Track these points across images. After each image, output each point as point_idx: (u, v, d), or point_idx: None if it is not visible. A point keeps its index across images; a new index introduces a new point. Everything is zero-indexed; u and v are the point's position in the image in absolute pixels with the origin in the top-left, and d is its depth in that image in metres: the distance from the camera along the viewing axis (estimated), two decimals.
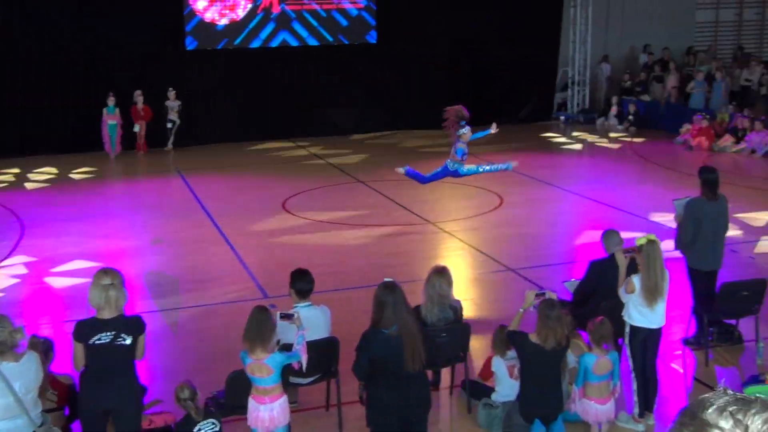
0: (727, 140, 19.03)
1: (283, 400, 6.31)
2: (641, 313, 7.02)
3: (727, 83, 22.20)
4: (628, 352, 7.21)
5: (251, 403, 6.28)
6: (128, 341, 5.95)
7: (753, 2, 28.00)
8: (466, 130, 12.18)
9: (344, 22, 21.82)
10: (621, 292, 7.23)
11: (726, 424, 1.78)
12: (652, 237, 7.01)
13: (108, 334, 5.90)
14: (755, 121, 18.77)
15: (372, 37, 22.09)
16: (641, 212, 13.76)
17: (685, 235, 8.43)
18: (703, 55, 24.16)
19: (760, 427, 1.76)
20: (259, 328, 6.22)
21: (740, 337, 8.73)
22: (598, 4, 23.89)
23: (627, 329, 7.15)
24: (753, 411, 1.79)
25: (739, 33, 28.41)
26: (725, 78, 22.29)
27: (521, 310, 6.84)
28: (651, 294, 6.90)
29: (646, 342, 7.10)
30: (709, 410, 1.81)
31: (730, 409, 1.80)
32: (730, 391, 1.85)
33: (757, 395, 1.85)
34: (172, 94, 20.00)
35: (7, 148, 19.33)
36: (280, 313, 6.57)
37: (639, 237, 7.07)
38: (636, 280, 7.00)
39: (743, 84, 22.35)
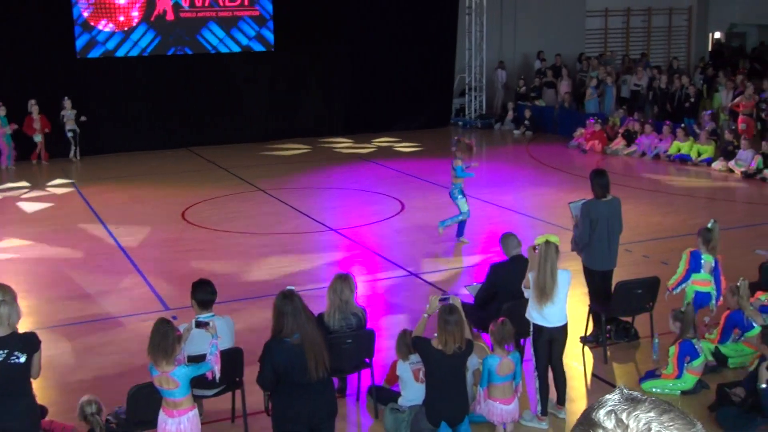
0: (619, 143, 19.64)
1: (193, 413, 6.21)
2: (537, 311, 7.16)
3: (616, 89, 22.97)
4: (532, 351, 7.34)
5: (161, 415, 6.17)
6: (22, 359, 5.75)
7: (639, 10, 29.04)
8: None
9: (240, 30, 21.61)
10: (523, 288, 7.36)
11: (609, 424, 1.83)
12: (552, 238, 7.13)
13: (1, 352, 5.69)
14: (645, 125, 19.43)
15: (269, 45, 21.95)
16: (539, 214, 14.08)
17: (581, 236, 8.66)
18: (595, 61, 24.88)
19: (641, 426, 1.81)
20: (162, 340, 6.11)
21: (636, 334, 9.01)
22: (492, 12, 24.36)
23: (531, 328, 7.29)
24: (637, 411, 1.84)
25: (627, 40, 29.43)
26: (615, 83, 23.05)
27: (426, 315, 6.90)
28: (541, 293, 7.02)
29: (552, 342, 7.24)
30: (600, 411, 1.87)
31: (617, 409, 1.85)
32: (626, 391, 1.89)
33: (655, 389, 1.93)
34: (68, 103, 19.46)
35: None
36: (196, 321, 6.45)
37: (539, 236, 7.18)
38: (531, 276, 7.14)
39: (633, 89, 23.11)
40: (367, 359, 7.57)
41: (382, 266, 11.75)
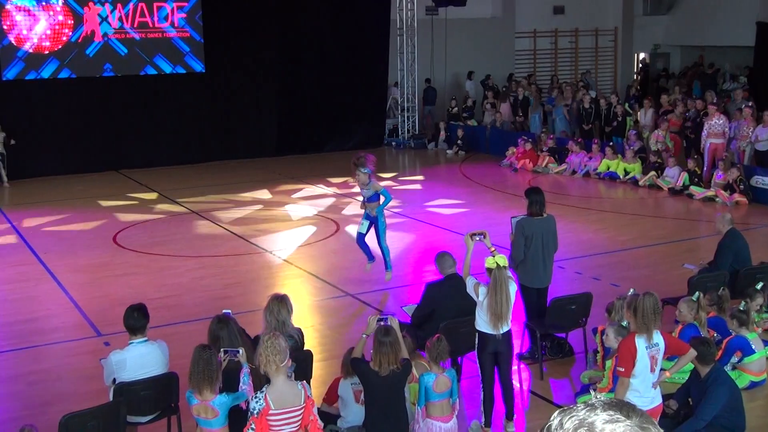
0: (544, 161, 19.94)
1: None
2: (485, 321, 7.21)
3: (543, 109, 23.41)
4: (477, 363, 7.38)
5: None
6: None
7: (566, 31, 29.66)
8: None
9: (170, 51, 21.40)
10: (469, 283, 7.37)
11: (555, 421, 2.06)
12: (502, 261, 7.18)
13: None
14: (574, 144, 19.78)
15: (198, 66, 21.77)
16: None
17: (517, 253, 8.76)
18: (524, 81, 25.29)
19: (571, 427, 2.00)
20: (206, 366, 5.96)
21: (571, 350, 9.12)
22: (422, 33, 24.59)
23: (477, 339, 7.33)
24: (571, 415, 2.02)
25: (555, 60, 30.01)
26: (542, 104, 23.49)
27: (364, 335, 6.88)
28: (497, 318, 7.11)
29: (497, 354, 7.29)
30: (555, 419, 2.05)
31: (564, 412, 2.05)
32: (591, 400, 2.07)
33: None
34: None
35: None
36: (223, 349, 6.28)
37: (488, 258, 7.20)
38: (482, 291, 7.18)
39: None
40: (304, 381, 7.50)
41: (318, 287, 11.70)
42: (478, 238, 7.59)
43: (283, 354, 5.68)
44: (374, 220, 11.38)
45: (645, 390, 6.40)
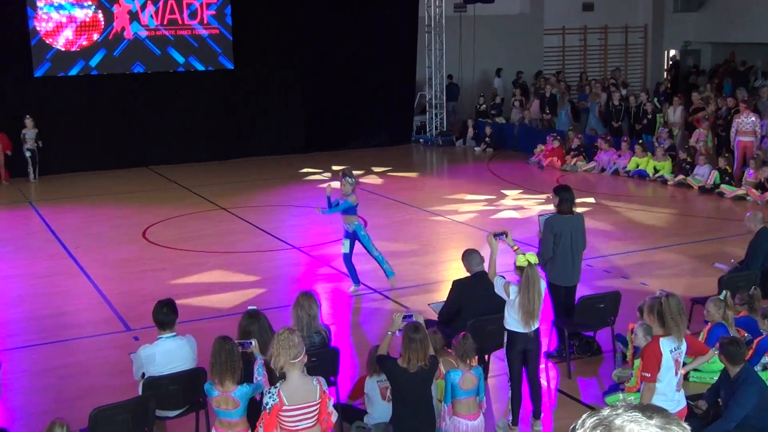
0: (573, 159, 19.82)
1: None
2: (515, 319, 7.20)
3: (571, 106, 23.26)
4: (506, 361, 7.37)
5: None
6: None
7: (595, 29, 29.46)
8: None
9: (199, 48, 21.52)
10: (498, 283, 7.33)
11: (579, 421, 2.09)
12: (533, 259, 7.15)
13: None
14: (603, 141, 19.65)
15: (227, 63, 21.88)
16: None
17: (545, 251, 8.72)
18: (552, 78, 25.16)
19: (591, 422, 2.04)
20: (229, 357, 5.99)
21: (599, 349, 9.07)
22: (450, 29, 24.52)
23: (505, 338, 7.31)
24: (594, 415, 2.06)
25: (584, 57, 29.83)
26: (570, 101, 23.34)
27: (389, 333, 6.88)
28: (529, 316, 7.09)
29: (525, 352, 7.27)
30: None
31: (590, 413, 2.08)
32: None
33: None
34: (29, 122, 19.23)
35: None
36: (236, 341, 6.32)
37: (518, 255, 7.19)
38: (513, 290, 7.15)
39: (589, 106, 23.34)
40: (332, 377, 7.52)
41: (345, 284, 11.71)
42: (500, 238, 7.57)
43: (297, 349, 5.68)
44: (353, 236, 11.03)
45: (670, 393, 6.33)
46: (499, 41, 26.78)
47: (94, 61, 20.50)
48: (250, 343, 6.29)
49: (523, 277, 7.06)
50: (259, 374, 6.14)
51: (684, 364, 6.81)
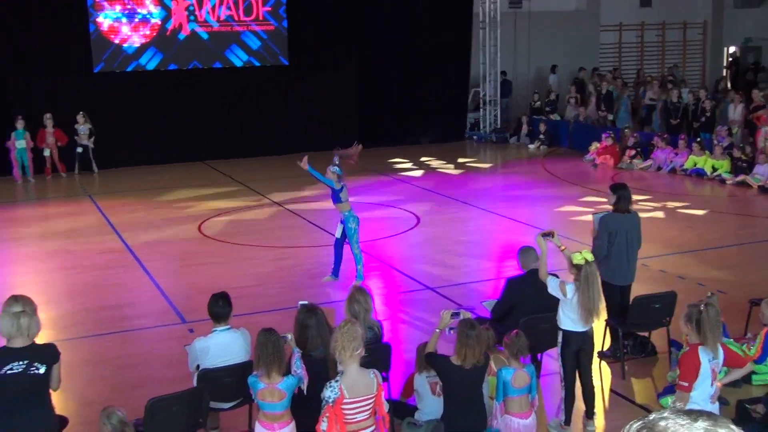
0: (628, 157, 19.56)
1: (292, 426, 6.09)
2: (571, 319, 7.14)
3: (629, 103, 22.97)
4: (559, 361, 7.32)
5: (259, 429, 6.08)
6: (42, 370, 5.76)
7: (653, 25, 29.04)
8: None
9: (256, 44, 21.73)
10: (552, 284, 7.27)
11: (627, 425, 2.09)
12: (589, 256, 7.09)
13: (20, 363, 5.70)
14: (660, 139, 19.38)
15: (282, 59, 22.05)
16: (553, 228, 14.00)
17: (600, 249, 8.63)
18: (608, 75, 24.88)
19: (635, 429, 2.06)
20: (275, 349, 6.02)
21: (653, 349, 8.95)
22: (505, 26, 24.39)
23: (560, 338, 7.26)
24: (641, 419, 2.06)
25: (641, 54, 29.43)
26: (629, 97, 23.04)
27: (437, 330, 6.87)
28: (589, 314, 7.02)
29: (579, 352, 7.23)
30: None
31: (639, 418, 2.07)
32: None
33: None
34: (81, 117, 19.62)
35: None
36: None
37: (574, 253, 7.13)
38: (570, 288, 7.09)
39: (648, 103, 23.06)
40: (384, 373, 7.54)
41: (397, 280, 11.74)
42: (547, 238, 7.52)
43: (358, 342, 5.70)
44: (344, 223, 11.06)
45: (704, 403, 6.22)
46: (555, 37, 26.55)
47: (150, 58, 20.81)
48: (287, 336, 6.34)
49: (582, 275, 6.98)
50: (298, 367, 6.17)
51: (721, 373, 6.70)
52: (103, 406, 6.44)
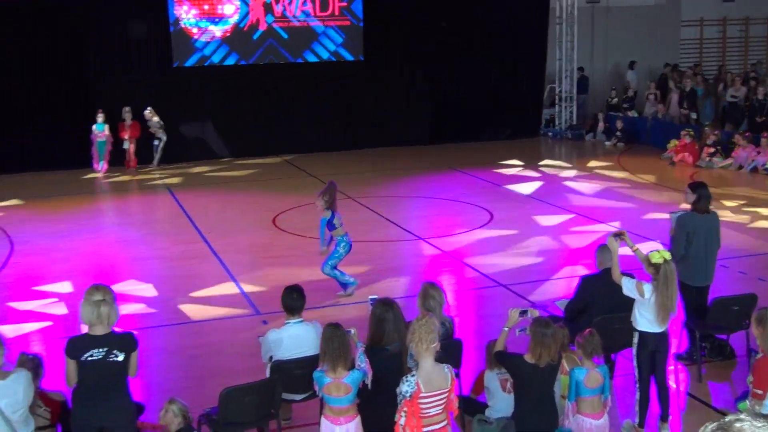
0: (707, 155, 19.12)
1: (358, 420, 6.12)
2: (648, 319, 7.03)
3: (712, 100, 22.44)
4: (634, 362, 7.21)
5: (325, 423, 6.13)
6: (121, 358, 5.90)
7: (736, 20, 28.29)
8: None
9: (331, 39, 21.86)
10: (628, 284, 7.15)
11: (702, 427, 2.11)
12: (667, 255, 6.97)
13: (100, 350, 5.85)
14: (741, 138, 18.89)
15: (358, 54, 22.14)
16: (630, 227, 13.78)
17: (677, 249, 8.45)
18: (689, 71, 24.35)
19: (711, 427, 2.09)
20: (341, 344, 6.08)
21: (732, 353, 8.74)
22: (582, 21, 24.05)
23: (635, 339, 7.15)
24: (718, 420, 2.06)
25: (723, 50, 28.70)
26: (711, 94, 22.50)
27: (506, 328, 6.82)
28: (665, 313, 6.91)
29: (655, 353, 7.11)
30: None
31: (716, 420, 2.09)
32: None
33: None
34: (148, 112, 19.95)
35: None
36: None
37: (652, 252, 7.01)
38: (647, 288, 6.98)
39: (729, 100, 22.49)
40: (455, 369, 7.52)
41: (469, 276, 11.69)
42: (619, 239, 7.40)
43: (435, 335, 5.70)
44: (336, 246, 10.77)
45: None
46: (633, 33, 26.06)
47: (228, 52, 21.10)
48: (350, 330, 6.37)
49: (660, 274, 6.86)
50: (361, 361, 6.19)
51: None
52: (178, 393, 6.58)
